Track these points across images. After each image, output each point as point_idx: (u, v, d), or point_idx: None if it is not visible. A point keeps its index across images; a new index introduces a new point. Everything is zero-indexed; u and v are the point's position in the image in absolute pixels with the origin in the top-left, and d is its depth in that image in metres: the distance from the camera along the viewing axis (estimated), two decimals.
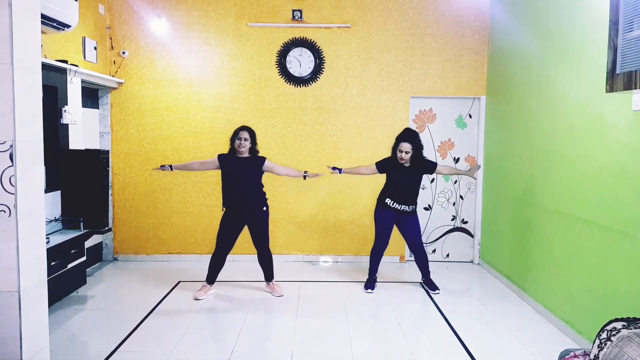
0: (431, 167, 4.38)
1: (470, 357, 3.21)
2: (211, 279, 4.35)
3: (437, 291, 4.48)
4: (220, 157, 4.25)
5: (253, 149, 4.25)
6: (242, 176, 4.17)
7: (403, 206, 4.37)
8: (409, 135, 4.26)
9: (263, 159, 4.28)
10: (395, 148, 4.30)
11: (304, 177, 4.37)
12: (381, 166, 4.41)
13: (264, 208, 4.29)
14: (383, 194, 4.46)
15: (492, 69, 5.19)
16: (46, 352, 2.43)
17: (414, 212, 4.44)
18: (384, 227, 4.46)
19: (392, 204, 4.37)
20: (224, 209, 4.25)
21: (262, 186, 4.32)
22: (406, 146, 4.20)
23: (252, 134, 4.22)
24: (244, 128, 4.22)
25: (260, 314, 3.93)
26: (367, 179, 5.35)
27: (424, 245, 5.07)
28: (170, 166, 4.32)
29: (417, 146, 4.25)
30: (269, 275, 4.43)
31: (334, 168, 4.53)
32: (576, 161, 3.48)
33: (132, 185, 5.38)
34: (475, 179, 5.11)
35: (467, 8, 5.25)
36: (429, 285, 4.56)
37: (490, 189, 5.24)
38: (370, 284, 4.55)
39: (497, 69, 5.07)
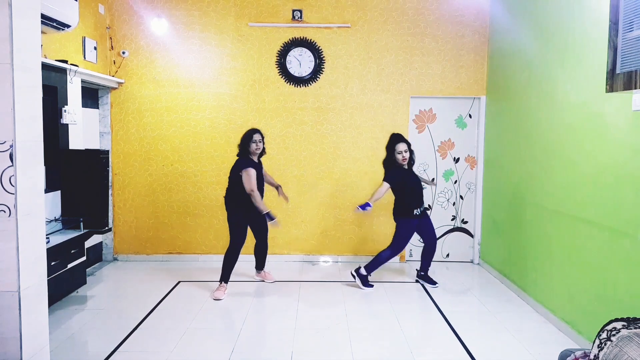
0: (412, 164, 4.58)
1: (470, 357, 3.21)
2: (227, 277, 4.38)
3: (436, 285, 4.59)
4: (250, 164, 4.24)
5: (262, 152, 4.45)
6: (260, 180, 4.33)
7: (423, 207, 4.53)
8: (400, 137, 4.44)
9: (261, 163, 4.53)
10: (392, 153, 4.38)
11: (277, 188, 4.63)
12: (392, 179, 4.39)
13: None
14: (408, 205, 4.43)
15: (492, 69, 5.19)
16: (46, 352, 2.44)
17: (427, 208, 4.61)
18: (408, 238, 4.52)
19: (417, 212, 4.45)
20: (238, 208, 4.32)
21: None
22: (403, 146, 4.38)
23: (263, 136, 4.41)
24: (256, 131, 4.34)
25: (260, 314, 3.93)
26: (367, 180, 5.36)
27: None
28: (268, 213, 4.22)
29: (409, 144, 4.46)
30: (261, 265, 4.72)
31: (362, 207, 4.34)
32: (576, 161, 3.48)
33: (132, 185, 5.39)
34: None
35: (467, 8, 5.25)
36: (426, 280, 4.65)
37: (490, 189, 5.24)
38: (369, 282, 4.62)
39: (497, 69, 5.07)
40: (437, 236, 5.52)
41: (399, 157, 4.36)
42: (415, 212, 4.43)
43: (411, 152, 4.46)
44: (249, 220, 4.41)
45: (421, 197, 4.51)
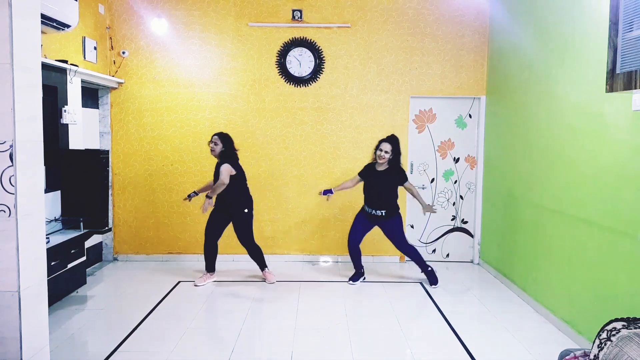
0: (403, 178, 4.53)
1: (470, 357, 3.21)
2: (209, 267, 4.65)
3: (436, 285, 4.61)
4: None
5: (227, 153, 4.44)
6: (215, 179, 4.48)
7: (373, 210, 4.54)
8: (390, 138, 4.51)
9: (221, 163, 4.42)
10: (376, 148, 4.53)
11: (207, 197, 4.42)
12: (362, 173, 4.65)
13: (245, 210, 4.54)
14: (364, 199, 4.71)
15: (492, 69, 5.19)
16: (46, 352, 2.44)
17: (387, 216, 4.52)
18: (353, 226, 4.72)
19: (367, 209, 4.60)
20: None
21: (242, 188, 4.54)
22: (386, 146, 4.44)
23: (222, 138, 4.46)
24: (216, 134, 4.51)
25: (260, 314, 3.93)
26: None
27: (424, 245, 5.32)
28: (195, 193, 4.72)
29: (396, 150, 4.47)
30: (261, 265, 4.72)
31: (324, 192, 4.75)
32: (576, 161, 3.48)
33: (132, 185, 5.38)
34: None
35: (467, 8, 5.25)
36: (430, 276, 4.66)
37: (490, 189, 5.24)
38: (354, 276, 4.76)
39: (497, 69, 5.07)
40: (438, 236, 5.55)
41: (378, 153, 4.46)
42: (364, 206, 4.63)
43: (396, 161, 4.47)
44: (219, 215, 4.58)
45: (374, 200, 4.51)
